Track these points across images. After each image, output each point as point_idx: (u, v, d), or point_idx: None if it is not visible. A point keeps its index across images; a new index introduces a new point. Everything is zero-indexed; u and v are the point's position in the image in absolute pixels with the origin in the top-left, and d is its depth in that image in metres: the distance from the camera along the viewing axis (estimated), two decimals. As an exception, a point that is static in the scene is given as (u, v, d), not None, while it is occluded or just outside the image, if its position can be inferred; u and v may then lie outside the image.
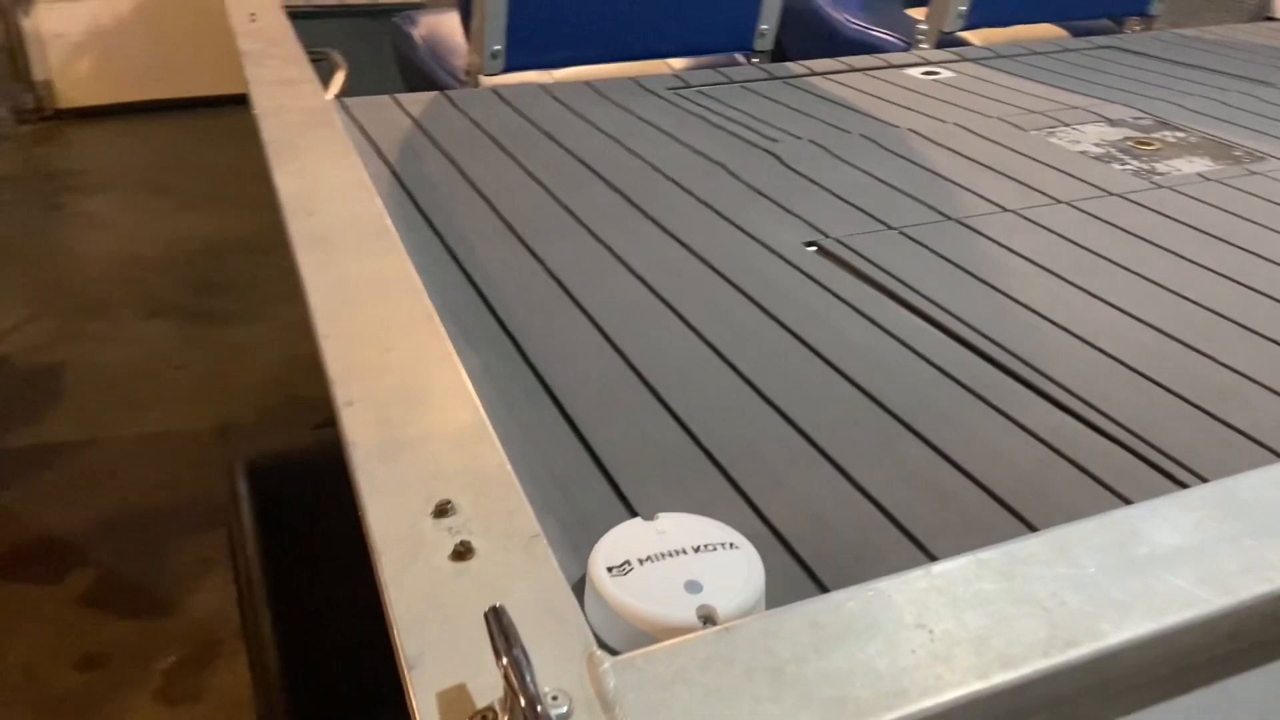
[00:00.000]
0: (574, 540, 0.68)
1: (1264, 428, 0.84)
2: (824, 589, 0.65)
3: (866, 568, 0.67)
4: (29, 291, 3.86)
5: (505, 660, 0.49)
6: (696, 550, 0.62)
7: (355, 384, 0.79)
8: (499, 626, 0.51)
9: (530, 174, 1.36)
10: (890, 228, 1.20)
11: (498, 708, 0.50)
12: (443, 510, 0.65)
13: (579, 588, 0.64)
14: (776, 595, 0.62)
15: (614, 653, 0.56)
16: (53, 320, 3.68)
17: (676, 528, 0.65)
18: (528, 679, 0.49)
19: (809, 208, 1.25)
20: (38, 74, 5.86)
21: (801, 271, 1.09)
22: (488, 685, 0.52)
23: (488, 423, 0.74)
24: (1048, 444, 0.81)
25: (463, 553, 0.62)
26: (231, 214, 4.42)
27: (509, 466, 0.69)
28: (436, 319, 0.88)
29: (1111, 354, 0.94)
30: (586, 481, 0.75)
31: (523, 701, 0.47)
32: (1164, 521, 0.65)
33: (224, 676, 2.13)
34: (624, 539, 0.64)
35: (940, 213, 1.25)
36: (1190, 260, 1.14)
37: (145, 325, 3.69)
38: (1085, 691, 0.57)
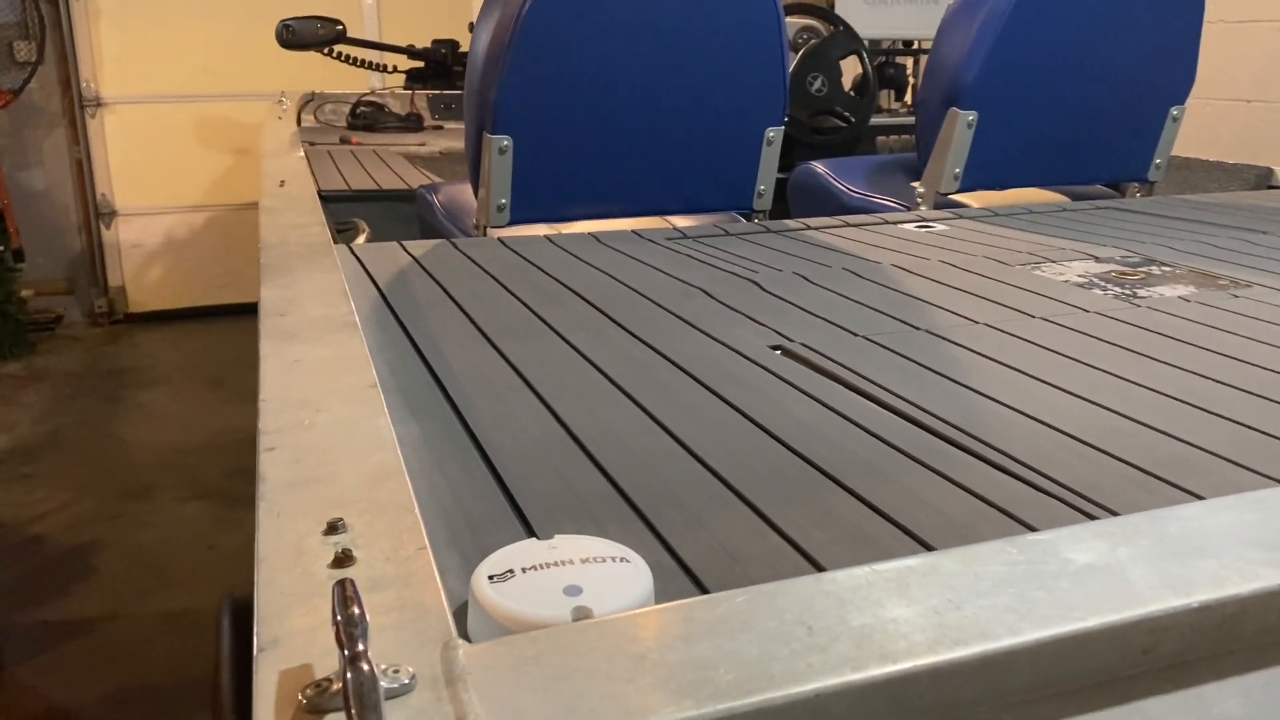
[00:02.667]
0: (472, 569, 0.66)
1: (1213, 488, 0.80)
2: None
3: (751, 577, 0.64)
4: (77, 476, 3.96)
5: (339, 624, 0.48)
6: (584, 562, 0.61)
7: (280, 435, 0.79)
8: (340, 594, 0.50)
9: (514, 294, 1.40)
10: (857, 335, 1.21)
11: (333, 677, 0.48)
12: (334, 528, 0.64)
13: (463, 612, 0.62)
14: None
15: None
16: (95, 501, 3.75)
17: (570, 545, 0.63)
18: (357, 635, 0.47)
19: (780, 321, 1.27)
20: (113, 280, 6.22)
21: (760, 366, 1.09)
22: (332, 667, 0.50)
23: (402, 464, 0.73)
24: (981, 497, 0.78)
25: (342, 559, 0.60)
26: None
27: (413, 498, 0.68)
28: (379, 389, 0.89)
29: (1060, 428, 0.92)
30: (500, 523, 0.74)
31: (348, 658, 0.45)
32: (1079, 543, 0.62)
33: (210, 846, 2.03)
34: (513, 553, 0.62)
35: (910, 325, 1.25)
36: (1157, 359, 1.12)
37: (183, 507, 3.74)
38: (983, 698, 0.53)
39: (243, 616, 1.55)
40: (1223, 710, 0.57)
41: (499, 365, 1.10)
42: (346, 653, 0.45)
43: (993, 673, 0.53)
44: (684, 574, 0.67)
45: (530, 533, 0.73)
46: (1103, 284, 1.48)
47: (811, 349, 1.14)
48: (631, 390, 1.01)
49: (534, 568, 0.60)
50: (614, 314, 1.30)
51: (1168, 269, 1.58)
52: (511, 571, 0.60)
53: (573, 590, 0.58)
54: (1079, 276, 1.53)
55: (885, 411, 0.96)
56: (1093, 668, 0.55)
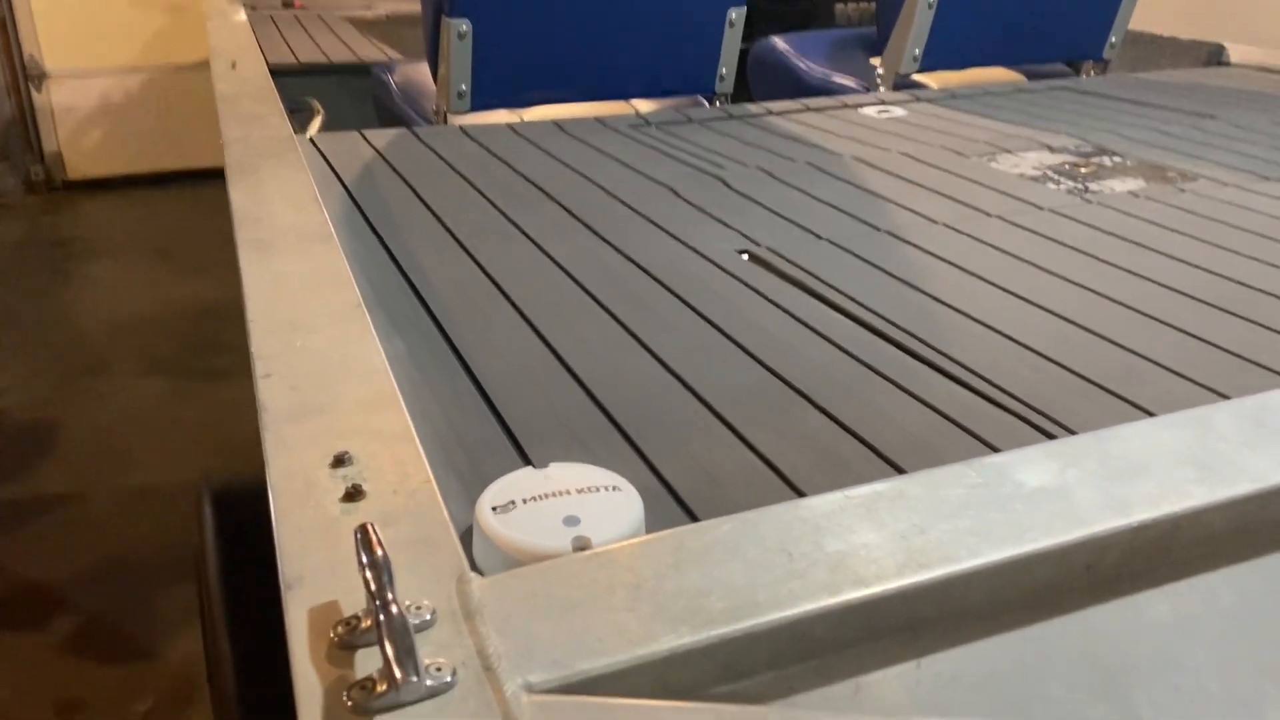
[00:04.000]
0: (472, 495, 0.71)
1: (1156, 400, 0.86)
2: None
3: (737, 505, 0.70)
4: (28, 352, 3.92)
5: (365, 568, 0.52)
6: (580, 491, 0.65)
7: (275, 360, 0.82)
8: (364, 539, 0.54)
9: (482, 193, 1.41)
10: (821, 238, 1.24)
11: (361, 615, 0.53)
12: (340, 460, 0.68)
13: (470, 535, 0.67)
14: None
15: None
16: (50, 378, 3.73)
17: (564, 474, 0.68)
18: (384, 580, 0.51)
19: (747, 222, 1.30)
20: (48, 146, 6.00)
21: (730, 274, 1.13)
22: (361, 603, 0.55)
23: (397, 391, 0.77)
24: (938, 410, 0.83)
25: (353, 494, 0.64)
26: (230, 278, 4.50)
27: (411, 427, 0.72)
28: (363, 308, 0.92)
29: (1013, 337, 0.97)
30: (492, 446, 0.78)
31: (375, 597, 0.50)
32: (1031, 466, 0.68)
33: (199, 720, 2.13)
34: (512, 483, 0.67)
35: (872, 225, 1.29)
36: (1108, 262, 1.17)
37: (141, 383, 3.73)
38: (944, 615, 0.59)
39: (222, 501, 1.60)
40: (1154, 615, 0.64)
41: (474, 274, 1.13)
42: (378, 602, 0.49)
43: (953, 592, 0.59)
44: (670, 495, 0.72)
45: (521, 455, 0.77)
46: (1056, 177, 1.52)
47: (778, 254, 1.18)
48: (607, 302, 1.05)
49: (533, 499, 0.64)
50: (584, 216, 1.32)
51: (1118, 159, 1.62)
52: (513, 503, 0.64)
53: (571, 521, 0.63)
54: (1033, 169, 1.56)
55: (850, 322, 1.01)
56: (1041, 583, 0.62)
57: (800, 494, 0.73)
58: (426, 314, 1.02)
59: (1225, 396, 0.87)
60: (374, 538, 0.54)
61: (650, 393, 0.87)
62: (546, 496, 0.65)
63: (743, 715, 0.47)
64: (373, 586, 0.50)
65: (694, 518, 0.71)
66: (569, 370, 0.90)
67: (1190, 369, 0.92)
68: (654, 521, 0.67)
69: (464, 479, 0.74)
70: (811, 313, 1.03)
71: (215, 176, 1.71)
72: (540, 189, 1.44)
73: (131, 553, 2.80)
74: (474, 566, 0.60)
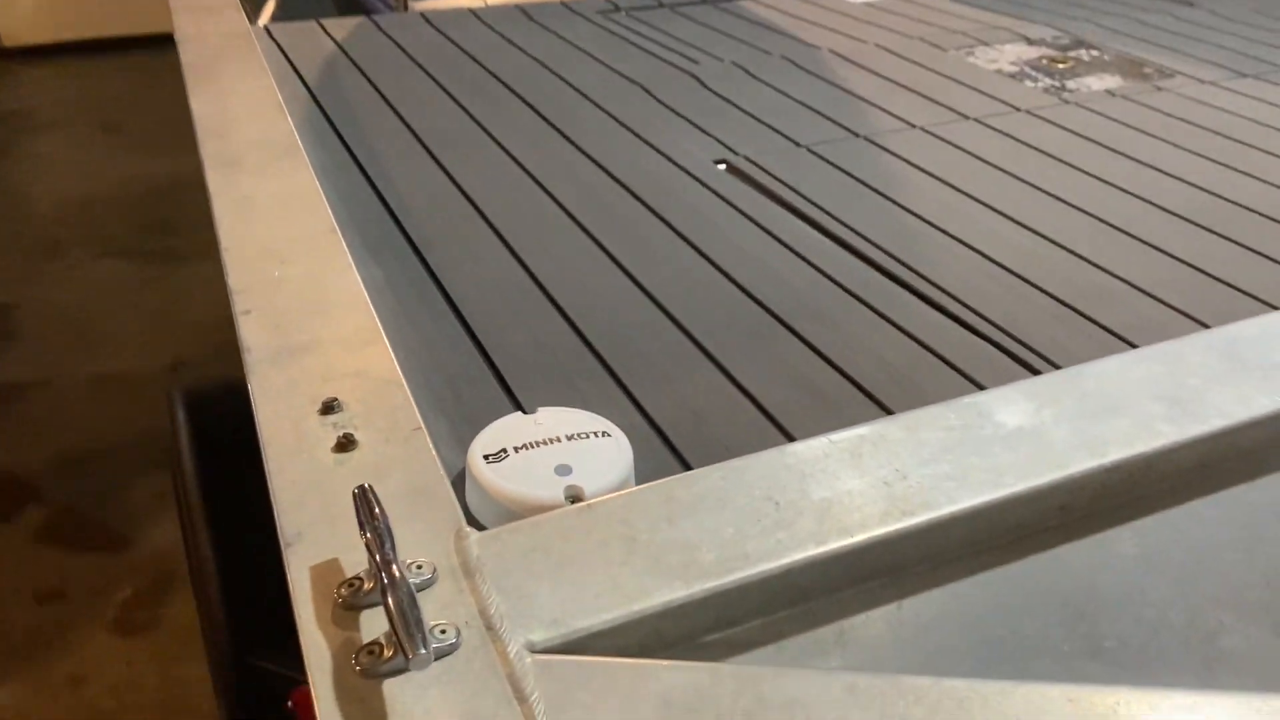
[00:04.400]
0: (460, 436, 0.72)
1: (1129, 325, 0.88)
2: (686, 464, 0.69)
3: (738, 455, 0.71)
4: (-18, 234, 3.82)
5: (367, 532, 0.53)
6: (570, 438, 0.66)
7: (253, 294, 0.81)
8: (364, 502, 0.55)
9: (448, 92, 1.37)
10: (799, 145, 1.23)
11: (364, 576, 0.54)
12: (329, 408, 0.68)
13: (461, 480, 0.68)
14: (648, 478, 0.66)
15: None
16: (5, 261, 3.65)
17: (553, 419, 0.68)
18: (387, 547, 0.52)
19: (722, 126, 1.28)
20: (-18, 11, 5.71)
21: (709, 188, 1.12)
22: (361, 560, 0.56)
23: (380, 328, 0.77)
24: (918, 340, 0.85)
25: (345, 444, 0.65)
26: (182, 153, 4.37)
27: (397, 368, 0.72)
28: (338, 233, 0.90)
29: (991, 256, 0.98)
30: (477, 382, 0.79)
31: (379, 563, 0.51)
32: (1009, 405, 0.70)
33: (178, 607, 2.17)
34: (503, 430, 0.67)
35: (849, 130, 1.28)
36: (1083, 170, 1.17)
37: (98, 265, 3.66)
38: (924, 558, 0.62)
39: (193, 404, 1.59)
40: (1120, 550, 0.67)
41: (446, 187, 1.11)
42: (383, 574, 0.50)
43: (933, 536, 0.61)
44: (656, 434, 0.74)
45: (506, 390, 0.78)
46: (1034, 74, 1.50)
47: (755, 164, 1.17)
48: (584, 220, 1.04)
49: (525, 446, 0.65)
50: (555, 120, 1.29)
51: (1095, 53, 1.61)
52: (505, 451, 0.65)
53: (563, 470, 0.64)
54: (1011, 64, 1.54)
55: (829, 241, 1.01)
56: (1017, 525, 0.64)
57: (784, 431, 0.75)
58: (401, 234, 1.01)
59: (1196, 320, 0.89)
60: (374, 502, 0.55)
61: (632, 321, 0.87)
62: (538, 444, 0.65)
63: (739, 674, 0.49)
64: (376, 556, 0.51)
65: (681, 458, 0.72)
66: (549, 297, 0.90)
67: (1163, 290, 0.94)
68: (642, 463, 0.68)
69: (452, 420, 0.74)
70: (790, 231, 1.03)
71: (164, 43, 1.65)
72: (508, 87, 1.41)
73: (100, 441, 2.80)
74: (467, 513, 0.62)
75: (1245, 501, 0.71)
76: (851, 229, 1.03)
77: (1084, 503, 0.66)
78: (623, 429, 0.71)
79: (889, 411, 0.77)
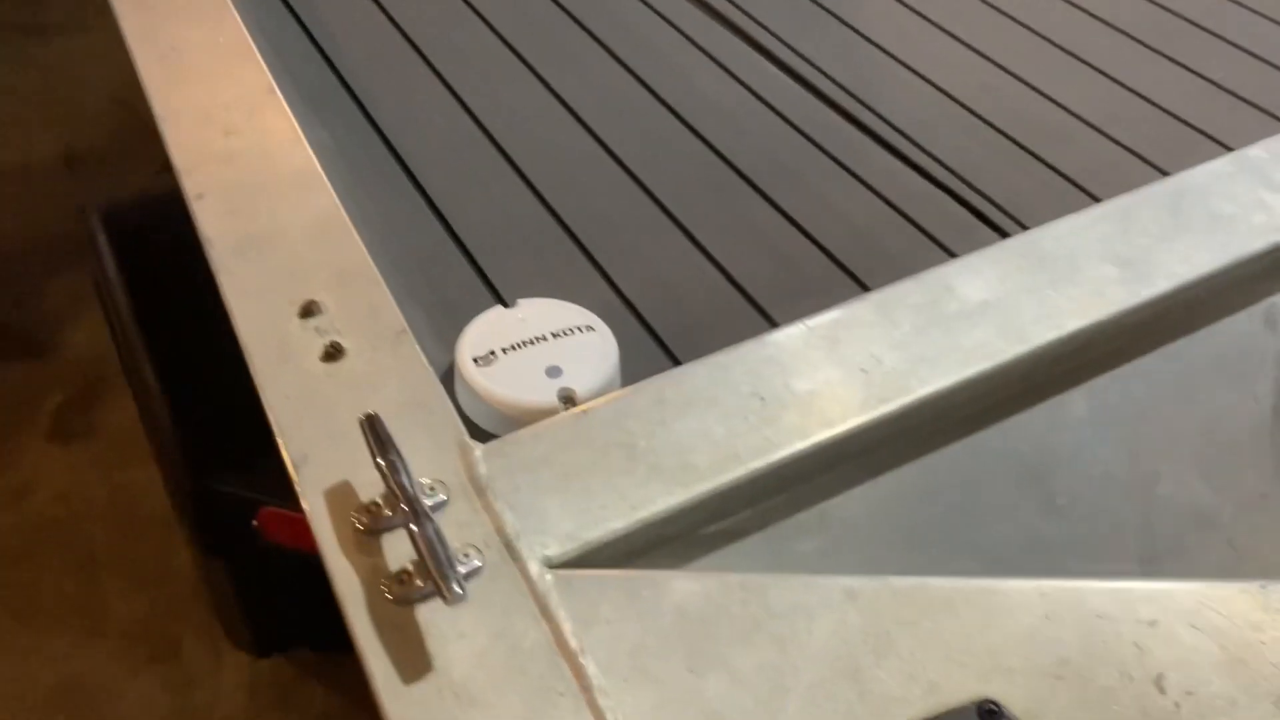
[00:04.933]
0: (439, 328, 0.72)
1: (1085, 170, 0.90)
2: (676, 361, 0.71)
3: (715, 337, 0.73)
4: None
5: (382, 464, 0.55)
6: (555, 336, 0.67)
7: (202, 174, 0.78)
8: (373, 433, 0.56)
9: None
10: None
11: (380, 501, 0.56)
12: (309, 310, 0.68)
13: (448, 376, 0.69)
14: (632, 369, 0.68)
15: (485, 437, 0.62)
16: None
17: (536, 314, 0.69)
18: (404, 479, 0.54)
19: None
20: None
21: (663, 17, 1.07)
22: (371, 480, 0.58)
23: (343, 212, 0.75)
24: (881, 195, 0.86)
25: (333, 354, 0.65)
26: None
27: (369, 259, 0.71)
28: (279, 94, 0.86)
29: (949, 92, 0.98)
30: (449, 265, 0.78)
31: (401, 499, 0.53)
32: (974, 276, 0.72)
33: (112, 414, 2.16)
34: (487, 328, 0.68)
35: None
36: None
37: (-37, 42, 3.37)
38: (896, 437, 0.66)
39: (112, 223, 1.54)
40: (1073, 410, 0.72)
41: (380, 22, 1.04)
42: (408, 510, 0.53)
43: (906, 418, 0.65)
44: (634, 317, 0.75)
45: (479, 273, 0.77)
46: None
47: None
48: (533, 61, 1.00)
49: (513, 347, 0.66)
50: None
51: None
52: (493, 353, 0.66)
53: (554, 371, 0.65)
54: None
55: (790, 80, 0.99)
56: (982, 398, 0.68)
57: (758, 306, 0.76)
58: (343, 88, 0.96)
59: (1150, 163, 0.91)
60: (383, 433, 0.56)
61: (594, 186, 0.86)
62: (525, 345, 0.67)
63: (746, 583, 0.54)
64: (397, 491, 0.53)
65: (659, 340, 0.73)
66: (505, 156, 0.88)
67: (1108, 123, 0.95)
68: (625, 348, 0.70)
69: (428, 310, 0.74)
70: (751, 70, 1.00)
71: None
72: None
73: (2, 244, 2.68)
74: (460, 413, 0.63)
75: (1186, 354, 0.76)
76: (810, 62, 1.01)
77: (1042, 371, 0.70)
78: (596, 308, 0.72)
79: (854, 277, 0.79)
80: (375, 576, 0.54)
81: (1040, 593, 0.53)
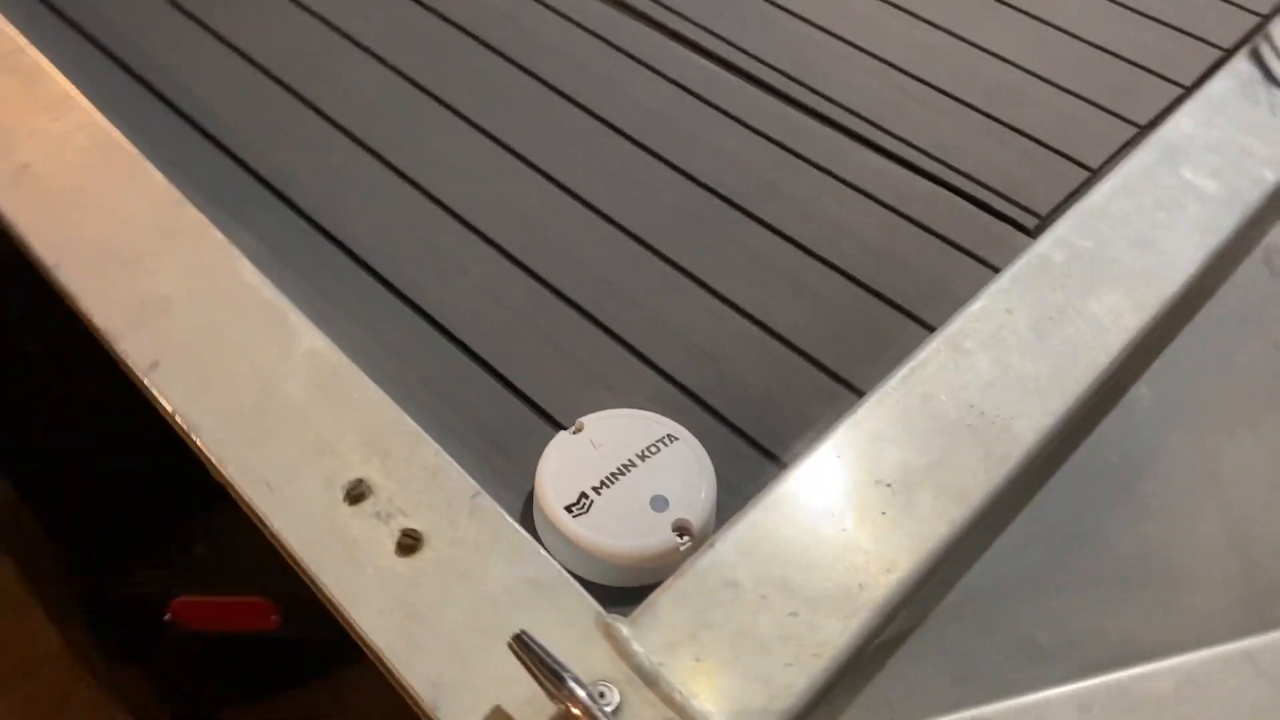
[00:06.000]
0: (492, 464, 0.63)
1: (1039, 124, 0.88)
2: (757, 447, 0.65)
3: (779, 405, 0.67)
4: None
5: (552, 689, 0.47)
6: (642, 458, 0.60)
7: (143, 337, 0.64)
8: (529, 655, 0.48)
9: None
10: None
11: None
12: (357, 495, 0.57)
13: (524, 517, 0.60)
14: (716, 464, 0.61)
15: (599, 585, 0.55)
16: None
17: (608, 434, 0.61)
18: (584, 697, 0.47)
19: None
20: None
21: (590, 31, 0.95)
22: (520, 696, 0.50)
23: (341, 353, 0.63)
24: (858, 188, 0.81)
25: (409, 545, 0.56)
26: None
27: (398, 409, 0.61)
28: (180, 196, 0.71)
29: (894, 63, 0.93)
30: (466, 380, 0.68)
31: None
32: (1024, 293, 0.70)
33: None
34: (563, 465, 0.60)
35: None
36: None
37: None
38: (1013, 487, 0.63)
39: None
40: (1141, 404, 0.71)
41: (249, 74, 0.88)
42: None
43: (1026, 468, 0.62)
44: (687, 398, 0.68)
45: (507, 386, 0.67)
46: None
47: None
48: (444, 94, 0.87)
49: (602, 484, 0.59)
50: None
51: None
52: (585, 495, 0.58)
53: (659, 503, 0.58)
54: None
55: (735, 78, 0.91)
56: (1075, 416, 0.66)
57: (811, 360, 0.70)
58: (234, 162, 0.80)
59: (1117, 116, 0.90)
60: (541, 652, 0.48)
61: (580, 244, 0.77)
62: (615, 478, 0.59)
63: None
64: (583, 711, 0.46)
65: (727, 422, 0.67)
66: (462, 222, 0.77)
67: (1064, 77, 0.93)
68: (661, 406, 0.63)
69: (470, 444, 0.64)
70: (694, 75, 0.91)
71: None
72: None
73: None
74: (564, 566, 0.56)
75: (1212, 317, 0.76)
76: (754, 56, 0.93)
77: (1121, 371, 0.69)
78: (649, 400, 0.66)
79: (890, 302, 0.74)
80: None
81: None
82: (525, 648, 0.49)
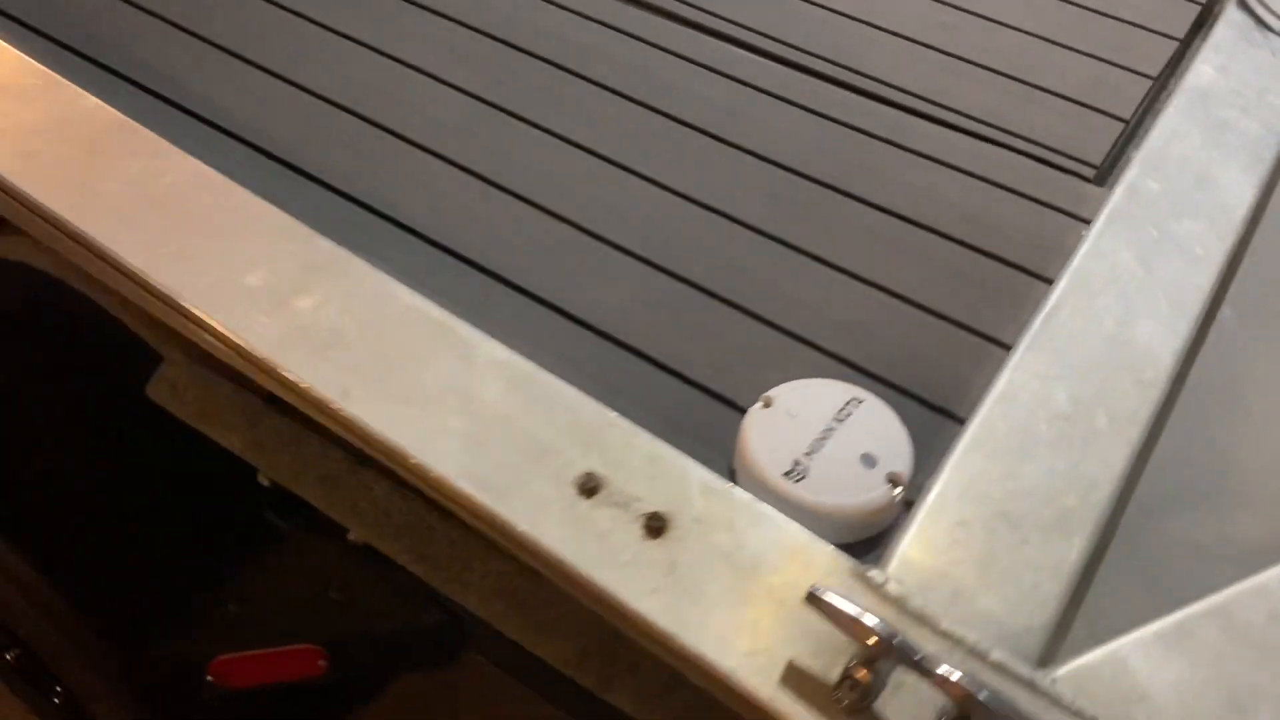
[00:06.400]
0: (688, 448, 0.65)
1: (1070, 86, 0.95)
2: (924, 401, 0.69)
3: (934, 364, 0.72)
4: None
5: (864, 634, 0.50)
6: (838, 420, 0.64)
7: (324, 369, 0.64)
8: (826, 606, 0.51)
9: None
10: None
11: (850, 672, 0.51)
12: (590, 488, 0.59)
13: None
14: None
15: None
16: None
17: (799, 404, 0.65)
18: (886, 634, 0.50)
19: None
20: None
21: (625, 33, 0.98)
22: (807, 650, 0.53)
23: (521, 357, 0.65)
24: (957, 168, 0.87)
25: (656, 528, 0.58)
26: None
27: (595, 402, 0.63)
28: (309, 230, 0.71)
29: (930, 44, 0.99)
30: (635, 375, 0.70)
31: (897, 655, 0.50)
32: (1122, 246, 0.76)
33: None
34: (767, 439, 0.63)
35: None
36: None
37: None
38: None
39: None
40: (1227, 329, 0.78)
41: (327, 112, 0.88)
42: (901, 660, 0.49)
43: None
44: (846, 367, 0.71)
45: (670, 372, 0.70)
46: None
47: None
48: (520, 110, 0.89)
49: (811, 449, 0.62)
50: None
51: None
52: (798, 463, 0.61)
53: (869, 460, 0.62)
54: None
55: (784, 68, 0.95)
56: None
57: (947, 319, 0.75)
58: (345, 200, 0.81)
59: (1131, 70, 0.97)
60: (833, 603, 0.51)
61: (698, 237, 0.79)
62: (821, 441, 0.62)
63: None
64: (882, 650, 0.50)
65: (900, 389, 0.70)
66: (594, 236, 0.79)
67: (1054, 31, 1.01)
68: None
69: (665, 434, 0.66)
70: (746, 68, 0.95)
71: None
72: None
73: None
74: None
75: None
76: (792, 45, 0.98)
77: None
78: (787, 360, 0.70)
79: (996, 258, 0.79)
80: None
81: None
82: (821, 602, 0.52)
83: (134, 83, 0.89)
